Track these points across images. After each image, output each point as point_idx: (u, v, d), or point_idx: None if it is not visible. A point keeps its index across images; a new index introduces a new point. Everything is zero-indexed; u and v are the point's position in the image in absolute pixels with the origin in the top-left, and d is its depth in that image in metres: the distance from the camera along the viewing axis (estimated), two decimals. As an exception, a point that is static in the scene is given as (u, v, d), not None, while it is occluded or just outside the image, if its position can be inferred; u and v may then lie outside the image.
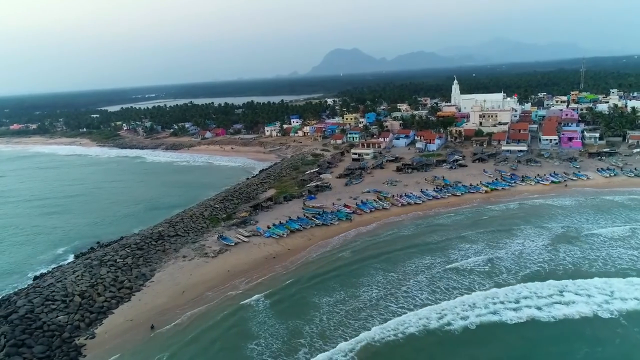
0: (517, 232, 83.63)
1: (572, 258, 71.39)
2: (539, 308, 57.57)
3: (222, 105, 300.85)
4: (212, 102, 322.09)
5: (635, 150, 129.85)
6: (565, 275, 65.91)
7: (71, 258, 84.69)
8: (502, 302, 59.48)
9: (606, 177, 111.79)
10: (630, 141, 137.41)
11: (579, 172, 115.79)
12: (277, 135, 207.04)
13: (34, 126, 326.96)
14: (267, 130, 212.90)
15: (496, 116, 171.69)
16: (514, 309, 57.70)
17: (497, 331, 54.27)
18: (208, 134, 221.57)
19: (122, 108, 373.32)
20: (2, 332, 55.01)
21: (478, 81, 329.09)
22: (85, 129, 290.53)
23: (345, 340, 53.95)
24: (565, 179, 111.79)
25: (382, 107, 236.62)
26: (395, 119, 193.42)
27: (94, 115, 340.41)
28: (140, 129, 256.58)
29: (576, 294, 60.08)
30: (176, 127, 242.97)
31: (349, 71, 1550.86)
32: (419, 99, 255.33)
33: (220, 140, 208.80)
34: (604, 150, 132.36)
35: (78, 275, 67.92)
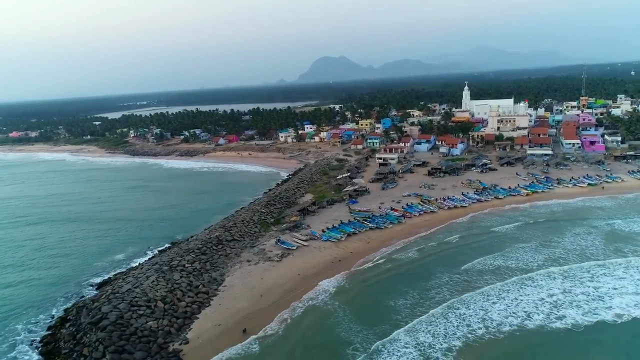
0: (575, 231, 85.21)
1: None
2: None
3: (229, 112, 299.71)
4: (217, 109, 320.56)
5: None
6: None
7: (135, 263, 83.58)
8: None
9: (639, 179, 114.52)
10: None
11: (610, 174, 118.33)
12: (292, 141, 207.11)
13: (34, 134, 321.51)
14: (282, 137, 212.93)
15: (514, 121, 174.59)
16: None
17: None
18: (221, 141, 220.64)
19: (123, 115, 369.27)
20: (97, 339, 53.98)
21: (479, 87, 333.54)
22: (89, 137, 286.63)
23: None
24: (601, 181, 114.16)
25: (393, 113, 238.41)
26: (412, 124, 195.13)
27: (96, 123, 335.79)
28: (149, 136, 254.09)
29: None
30: (187, 133, 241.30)
31: (337, 79, 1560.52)
32: (429, 105, 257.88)
33: (235, 147, 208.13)
34: (629, 153, 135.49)
35: (153, 281, 67.01)
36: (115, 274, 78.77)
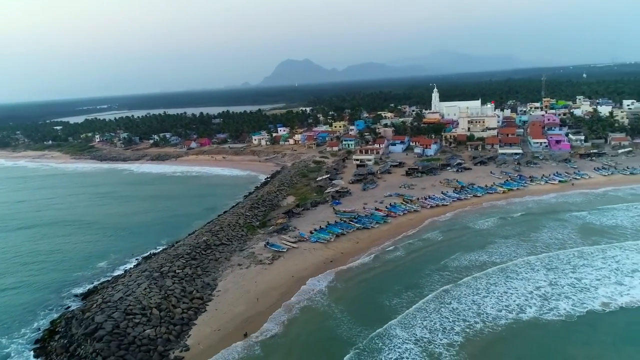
0: (551, 226, 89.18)
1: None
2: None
3: (198, 115, 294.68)
4: (185, 112, 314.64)
5: (620, 151, 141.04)
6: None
7: (119, 271, 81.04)
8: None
9: (605, 175, 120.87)
10: (613, 142, 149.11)
11: (578, 171, 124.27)
12: (266, 143, 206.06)
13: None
14: (255, 139, 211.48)
15: (483, 122, 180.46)
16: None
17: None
18: (193, 144, 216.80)
19: (86, 119, 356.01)
20: (95, 350, 52.16)
21: (444, 90, 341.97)
22: (51, 142, 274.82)
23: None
24: (570, 178, 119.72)
25: (365, 115, 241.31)
26: (385, 125, 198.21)
27: (58, 127, 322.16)
28: (116, 140, 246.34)
29: None
30: (157, 137, 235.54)
31: (302, 81, 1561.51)
32: (399, 107, 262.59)
33: (208, 150, 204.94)
34: (593, 151, 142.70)
35: (146, 288, 65.32)
36: (101, 283, 76.32)
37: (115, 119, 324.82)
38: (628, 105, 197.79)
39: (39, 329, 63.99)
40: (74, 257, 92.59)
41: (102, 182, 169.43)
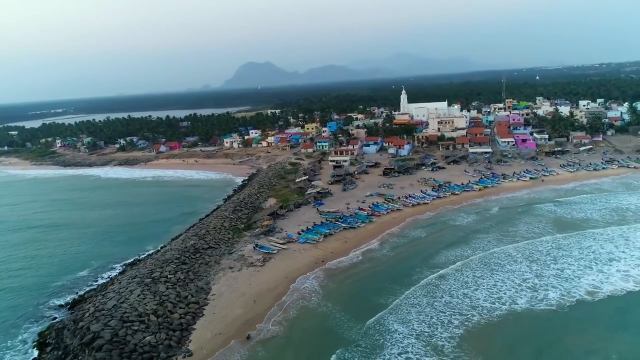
0: (527, 220, 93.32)
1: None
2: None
3: (164, 118, 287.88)
4: (150, 116, 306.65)
5: (582, 149, 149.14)
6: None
7: (103, 279, 78.41)
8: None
9: (571, 172, 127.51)
10: (574, 141, 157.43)
11: (547, 169, 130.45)
12: (239, 146, 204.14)
13: None
14: (227, 142, 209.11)
15: (453, 122, 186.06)
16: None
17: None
18: (163, 148, 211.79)
19: (43, 124, 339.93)
20: (96, 360, 50.44)
21: (409, 92, 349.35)
22: (7, 147, 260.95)
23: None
24: (540, 175, 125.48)
25: (335, 116, 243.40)
26: (357, 127, 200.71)
27: (13, 132, 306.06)
28: (79, 145, 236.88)
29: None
30: (123, 142, 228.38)
31: (264, 84, 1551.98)
32: (367, 108, 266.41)
33: (179, 154, 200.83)
34: (557, 149, 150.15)
35: (139, 294, 63.63)
36: (87, 291, 73.58)
37: (75, 123, 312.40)
38: (584, 105, 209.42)
39: (26, 342, 61.03)
40: (50, 266, 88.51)
41: (69, 188, 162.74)
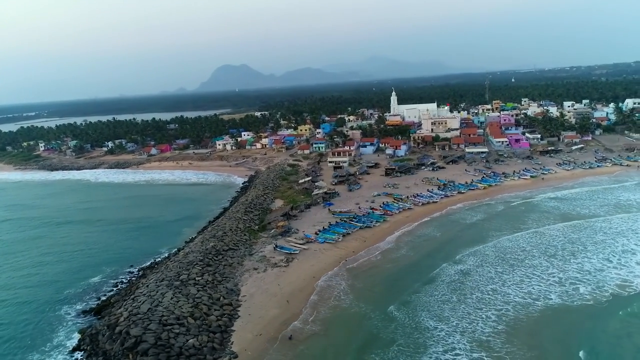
0: (534, 217, 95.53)
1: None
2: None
3: (150, 120, 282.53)
4: (134, 118, 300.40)
5: (573, 148, 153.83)
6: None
7: (122, 283, 76.72)
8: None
9: (568, 170, 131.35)
10: (566, 140, 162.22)
11: (544, 167, 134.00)
12: (232, 148, 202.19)
13: None
14: (219, 144, 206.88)
15: (446, 123, 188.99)
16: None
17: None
18: (154, 151, 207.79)
19: (21, 127, 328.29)
20: (143, 364, 49.20)
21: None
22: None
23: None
24: (539, 173, 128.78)
25: (326, 118, 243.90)
26: (352, 128, 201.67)
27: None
28: (65, 149, 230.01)
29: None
30: (111, 144, 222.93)
31: (240, 87, 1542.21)
32: (358, 110, 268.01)
33: (172, 157, 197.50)
34: (550, 148, 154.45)
35: (172, 297, 62.38)
36: (111, 296, 71.52)
37: (56, 126, 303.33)
38: (568, 106, 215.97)
39: (59, 349, 59.01)
40: (60, 274, 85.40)
41: (60, 192, 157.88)
